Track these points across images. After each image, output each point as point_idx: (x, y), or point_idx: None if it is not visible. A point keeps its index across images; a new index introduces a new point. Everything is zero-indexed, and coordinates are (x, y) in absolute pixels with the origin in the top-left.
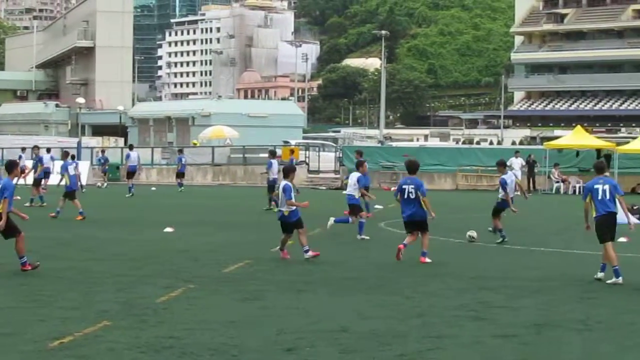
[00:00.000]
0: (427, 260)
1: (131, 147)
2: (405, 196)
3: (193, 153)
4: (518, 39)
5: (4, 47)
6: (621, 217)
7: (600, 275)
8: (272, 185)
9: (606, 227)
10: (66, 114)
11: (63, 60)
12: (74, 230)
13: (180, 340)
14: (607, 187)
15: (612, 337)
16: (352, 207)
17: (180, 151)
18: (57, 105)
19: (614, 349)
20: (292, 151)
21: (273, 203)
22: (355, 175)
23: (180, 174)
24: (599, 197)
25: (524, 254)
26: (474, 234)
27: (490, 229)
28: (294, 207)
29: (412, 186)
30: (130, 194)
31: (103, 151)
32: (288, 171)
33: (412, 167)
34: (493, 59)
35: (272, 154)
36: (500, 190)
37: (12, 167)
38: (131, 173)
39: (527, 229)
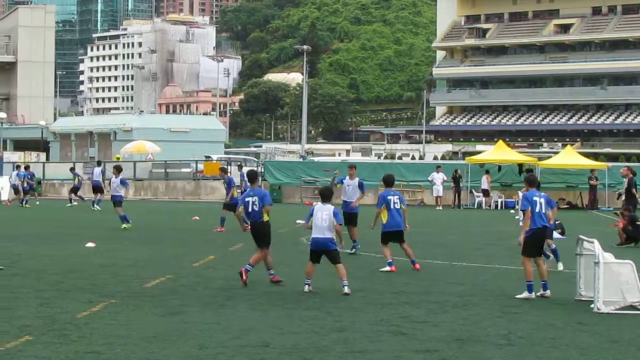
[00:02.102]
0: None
1: (99, 163)
2: (392, 207)
3: None
4: (440, 54)
5: None
6: None
7: (547, 293)
8: (119, 201)
9: (538, 242)
10: None
11: None
12: None
13: (101, 355)
14: (542, 200)
15: (535, 352)
16: None
17: (73, 168)
18: None
19: None
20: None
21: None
22: None
23: (75, 189)
24: (537, 210)
25: (445, 269)
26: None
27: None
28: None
29: (397, 197)
30: (98, 208)
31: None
32: (330, 194)
33: (391, 181)
34: (415, 73)
35: (118, 170)
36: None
37: (254, 177)
38: (96, 188)
39: (449, 243)
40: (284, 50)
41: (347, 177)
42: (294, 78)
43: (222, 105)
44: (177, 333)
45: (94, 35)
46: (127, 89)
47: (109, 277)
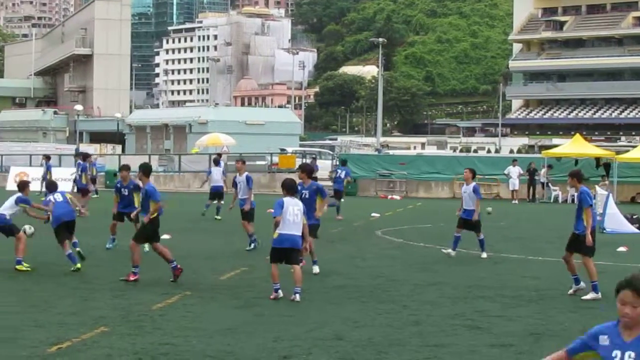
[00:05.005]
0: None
1: (217, 162)
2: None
3: (190, 161)
4: (516, 47)
5: (3, 55)
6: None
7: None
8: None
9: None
10: (64, 121)
11: (61, 67)
12: None
13: (177, 347)
14: None
15: None
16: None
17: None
18: (55, 113)
19: None
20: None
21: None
22: None
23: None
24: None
25: (520, 263)
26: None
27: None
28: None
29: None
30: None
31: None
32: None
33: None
34: (491, 66)
35: (215, 162)
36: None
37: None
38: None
39: (524, 238)
40: (360, 43)
41: (237, 174)
42: (369, 71)
43: (297, 98)
44: (252, 325)
45: (169, 28)
46: (203, 82)
47: (184, 269)
